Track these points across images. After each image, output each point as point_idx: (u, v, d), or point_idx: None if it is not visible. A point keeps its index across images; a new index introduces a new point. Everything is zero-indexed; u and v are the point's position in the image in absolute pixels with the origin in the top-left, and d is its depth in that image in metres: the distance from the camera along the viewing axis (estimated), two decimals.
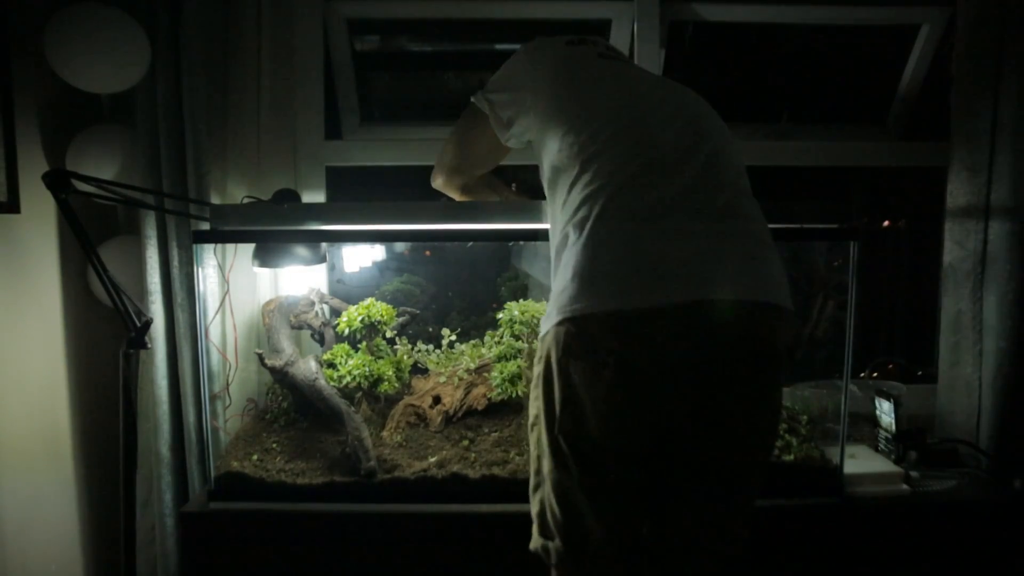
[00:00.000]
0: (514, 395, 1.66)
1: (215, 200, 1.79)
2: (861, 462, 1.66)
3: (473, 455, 1.60)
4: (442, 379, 1.80)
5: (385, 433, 1.70)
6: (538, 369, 1.15)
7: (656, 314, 1.04)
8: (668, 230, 1.08)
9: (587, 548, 1.14)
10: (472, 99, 1.41)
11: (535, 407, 1.18)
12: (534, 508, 1.21)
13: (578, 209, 1.13)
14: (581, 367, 1.07)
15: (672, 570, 1.21)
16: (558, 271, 1.15)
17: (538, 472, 1.19)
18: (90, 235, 1.33)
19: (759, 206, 1.19)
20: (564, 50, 1.32)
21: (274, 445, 1.65)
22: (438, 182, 1.56)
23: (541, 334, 1.15)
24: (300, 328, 1.83)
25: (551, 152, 1.22)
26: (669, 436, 1.13)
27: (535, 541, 1.21)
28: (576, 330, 1.07)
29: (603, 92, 1.24)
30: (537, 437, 1.18)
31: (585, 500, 1.13)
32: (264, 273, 1.94)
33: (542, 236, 1.36)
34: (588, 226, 1.10)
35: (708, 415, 1.11)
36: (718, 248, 1.09)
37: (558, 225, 1.19)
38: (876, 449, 1.77)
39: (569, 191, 1.16)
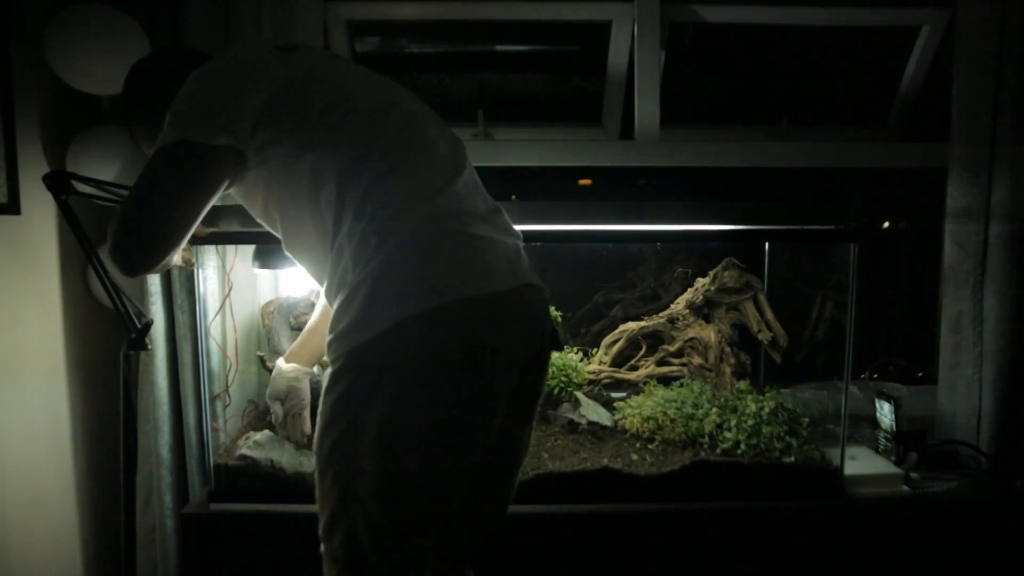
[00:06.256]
0: None
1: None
2: (861, 463, 1.66)
3: None
4: None
5: None
6: None
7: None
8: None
9: None
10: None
11: None
12: None
13: None
14: None
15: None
16: None
17: None
18: (90, 236, 1.33)
19: None
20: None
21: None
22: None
23: None
24: (300, 329, 1.83)
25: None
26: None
27: None
28: None
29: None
30: None
31: None
32: (264, 274, 1.94)
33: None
34: None
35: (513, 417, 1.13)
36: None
37: None
38: (876, 450, 1.77)
39: None
